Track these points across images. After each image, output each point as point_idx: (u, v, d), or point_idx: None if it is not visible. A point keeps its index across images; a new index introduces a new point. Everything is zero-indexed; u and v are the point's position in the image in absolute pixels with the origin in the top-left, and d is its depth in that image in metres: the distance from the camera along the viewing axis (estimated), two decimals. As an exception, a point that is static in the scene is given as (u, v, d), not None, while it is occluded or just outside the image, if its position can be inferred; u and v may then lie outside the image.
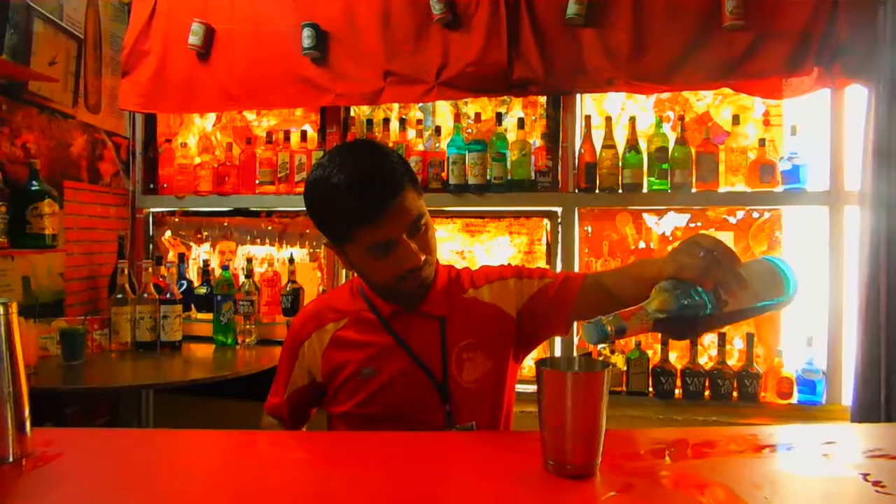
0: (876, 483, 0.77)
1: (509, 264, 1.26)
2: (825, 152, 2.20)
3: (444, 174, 2.46)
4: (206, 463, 0.84)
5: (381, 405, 1.14)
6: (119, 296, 2.30)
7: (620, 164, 2.31)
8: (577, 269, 2.37)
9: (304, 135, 2.65)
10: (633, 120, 2.33)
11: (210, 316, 2.48)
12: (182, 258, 2.72)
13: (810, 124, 2.27)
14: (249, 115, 2.92)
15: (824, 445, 0.91)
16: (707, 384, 2.22)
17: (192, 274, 2.81)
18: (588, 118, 2.38)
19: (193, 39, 2.53)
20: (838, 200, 2.19)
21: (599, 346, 0.67)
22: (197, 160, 2.77)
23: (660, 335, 2.26)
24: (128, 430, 0.94)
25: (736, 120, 2.30)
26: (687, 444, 0.90)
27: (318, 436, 1.02)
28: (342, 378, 1.17)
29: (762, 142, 2.24)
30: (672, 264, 0.81)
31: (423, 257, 1.08)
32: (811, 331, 2.20)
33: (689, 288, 0.79)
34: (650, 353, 2.32)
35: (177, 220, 2.93)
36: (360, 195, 1.02)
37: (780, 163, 2.22)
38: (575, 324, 1.20)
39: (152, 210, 2.83)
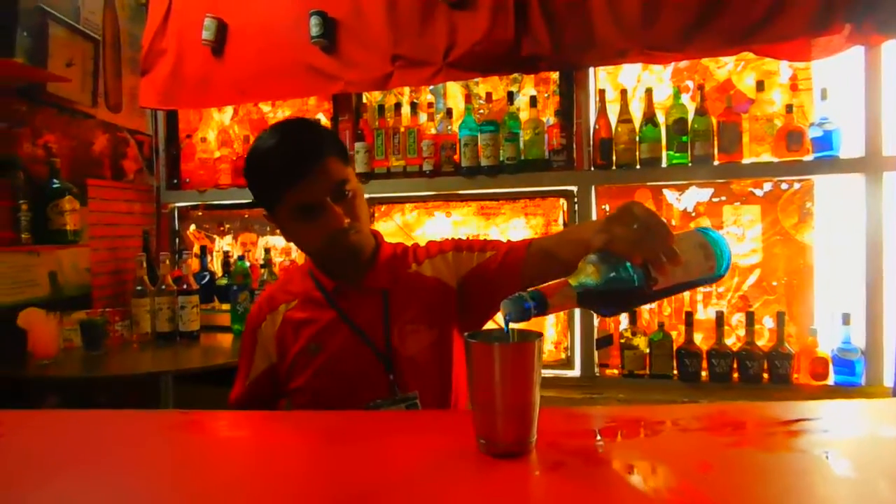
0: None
1: (453, 238, 1.28)
2: (860, 116, 2.06)
3: (456, 157, 2.44)
4: (147, 442, 0.84)
5: (328, 379, 1.17)
6: (139, 288, 2.36)
7: (637, 138, 2.25)
8: None
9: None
10: (649, 92, 2.25)
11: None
12: (204, 250, 2.78)
13: (842, 87, 2.13)
14: (265, 107, 2.96)
15: (792, 423, 0.83)
16: (735, 366, 2.14)
17: (217, 266, 2.87)
18: (602, 92, 2.32)
19: (206, 35, 2.58)
20: (876, 167, 2.04)
21: (541, 318, 0.65)
22: (216, 154, 2.81)
23: (684, 320, 2.21)
24: (74, 411, 0.95)
25: (760, 86, 2.18)
26: (642, 421, 0.85)
27: (251, 416, 1.02)
28: (292, 355, 1.20)
29: (789, 108, 2.11)
30: (602, 235, 0.76)
31: (347, 221, 1.13)
32: (848, 307, 2.07)
33: (617, 262, 0.74)
34: (674, 334, 2.25)
35: (200, 213, 2.99)
36: (286, 157, 1.10)
37: (809, 129, 2.09)
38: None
39: (177, 205, 2.90)
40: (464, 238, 1.27)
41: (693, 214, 2.40)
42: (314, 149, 1.11)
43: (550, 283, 0.74)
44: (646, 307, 2.39)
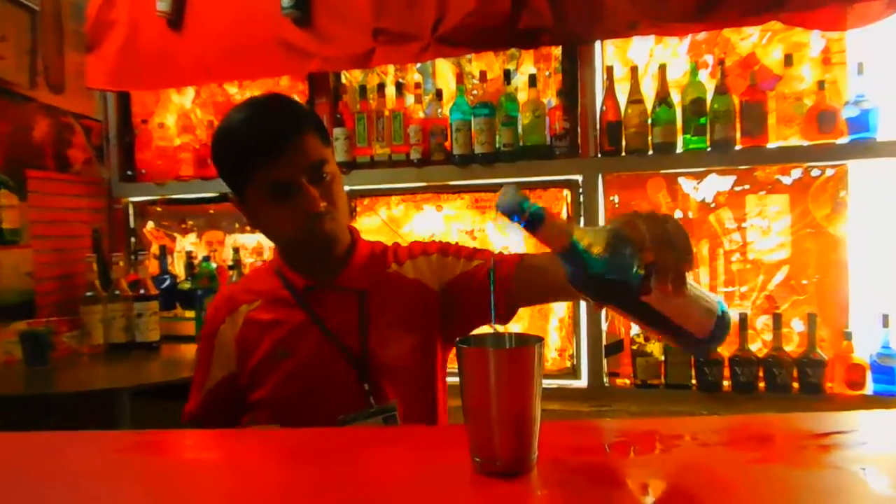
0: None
1: (439, 241, 1.31)
2: (901, 93, 2.07)
3: (447, 144, 2.44)
4: (100, 466, 0.83)
5: (296, 388, 1.16)
6: (89, 294, 2.34)
7: (650, 121, 2.25)
8: None
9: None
10: (662, 68, 2.25)
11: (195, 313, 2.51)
12: (164, 251, 2.76)
13: (881, 60, 2.13)
14: (231, 89, 2.95)
15: (824, 437, 0.83)
16: (761, 374, 2.15)
17: (178, 268, 2.85)
18: (610, 70, 2.31)
19: (162, 6, 2.55)
20: (919, 150, 2.06)
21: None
22: (177, 141, 2.79)
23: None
24: (14, 434, 0.94)
25: (788, 61, 2.18)
26: (657, 435, 0.85)
27: (215, 435, 1.02)
28: (255, 361, 1.19)
29: (821, 84, 2.12)
30: (626, 220, 0.77)
31: (323, 205, 1.13)
32: (888, 308, 2.07)
33: (623, 247, 0.74)
34: None
35: (159, 209, 2.98)
36: (259, 130, 1.11)
37: (843, 109, 2.09)
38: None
39: (132, 199, 2.88)
40: (451, 242, 1.29)
41: (712, 205, 2.40)
42: (290, 123, 1.12)
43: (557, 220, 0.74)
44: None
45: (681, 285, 0.74)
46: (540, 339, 0.74)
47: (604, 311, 2.26)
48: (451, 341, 1.24)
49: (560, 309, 2.49)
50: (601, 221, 2.34)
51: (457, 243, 1.29)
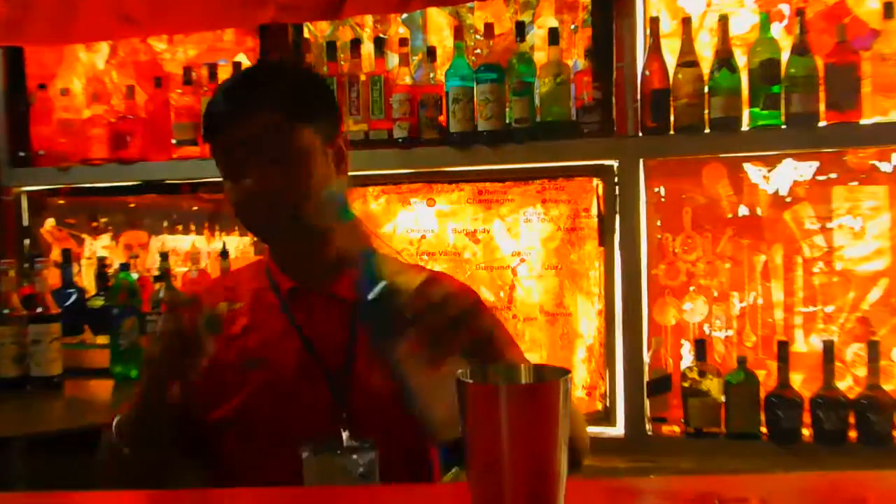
0: None
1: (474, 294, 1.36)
2: None
3: (441, 118, 2.41)
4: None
5: (264, 407, 1.27)
6: (-33, 314, 2.29)
7: (707, 89, 2.24)
8: (645, 253, 2.33)
9: (237, 69, 2.62)
10: (723, 20, 2.23)
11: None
12: (68, 257, 2.70)
13: None
14: (158, 45, 2.94)
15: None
16: (851, 419, 2.13)
17: (87, 279, 2.82)
18: (654, 22, 2.30)
19: (67, -66, 2.49)
20: None
21: None
22: (86, 113, 2.77)
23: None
24: None
25: (889, 10, 2.16)
26: (717, 499, 0.86)
27: (136, 497, 1.07)
28: (221, 371, 1.26)
29: (933, 43, 2.13)
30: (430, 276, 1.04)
31: (272, 187, 1.26)
32: None
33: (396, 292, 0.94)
34: (762, 374, 2.24)
35: (62, 202, 2.95)
36: (222, 93, 1.32)
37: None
38: None
39: (25, 189, 2.85)
40: (485, 303, 1.33)
41: (788, 200, 2.38)
42: (255, 92, 1.29)
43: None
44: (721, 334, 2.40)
45: (435, 357, 0.91)
46: (566, 373, 0.74)
47: (644, 337, 2.29)
48: None
49: (589, 332, 2.47)
50: (643, 218, 2.33)
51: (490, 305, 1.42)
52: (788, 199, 2.38)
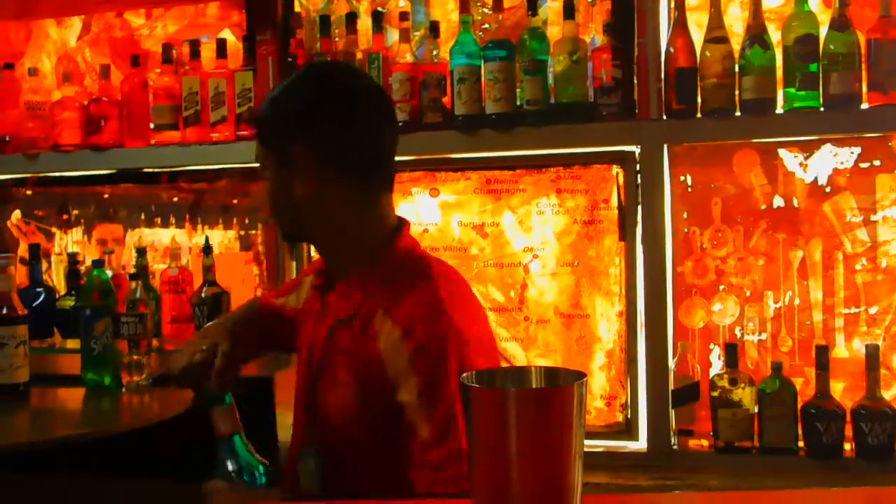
0: None
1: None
2: None
3: (446, 99, 2.43)
4: None
5: (295, 398, 1.52)
6: (-76, 316, 2.26)
7: (737, 68, 2.24)
8: (670, 248, 2.33)
9: (221, 46, 2.65)
10: None
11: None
12: (36, 252, 2.70)
13: None
14: (135, 20, 2.95)
15: None
16: None
17: (57, 278, 2.86)
18: None
19: None
20: None
21: None
22: (56, 95, 2.78)
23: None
24: None
25: None
26: None
27: None
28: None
29: None
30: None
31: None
32: None
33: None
34: (799, 381, 2.25)
35: (29, 192, 2.99)
36: None
37: None
38: None
39: None
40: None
41: (827, 190, 2.37)
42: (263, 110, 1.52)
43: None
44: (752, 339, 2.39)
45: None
46: (581, 376, 0.73)
47: (669, 342, 2.29)
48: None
49: (608, 336, 2.46)
50: (667, 210, 2.33)
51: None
52: (828, 189, 2.37)
